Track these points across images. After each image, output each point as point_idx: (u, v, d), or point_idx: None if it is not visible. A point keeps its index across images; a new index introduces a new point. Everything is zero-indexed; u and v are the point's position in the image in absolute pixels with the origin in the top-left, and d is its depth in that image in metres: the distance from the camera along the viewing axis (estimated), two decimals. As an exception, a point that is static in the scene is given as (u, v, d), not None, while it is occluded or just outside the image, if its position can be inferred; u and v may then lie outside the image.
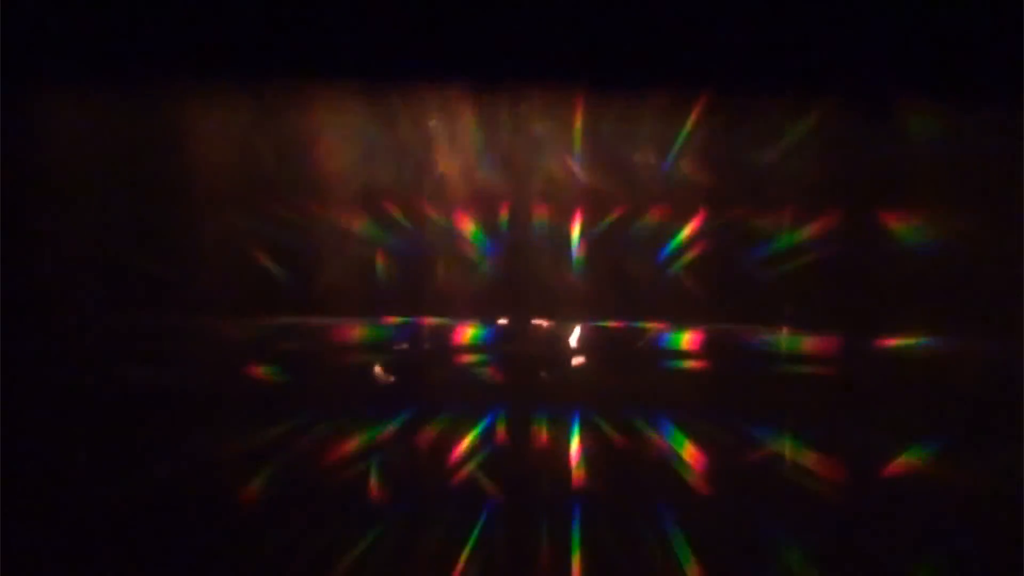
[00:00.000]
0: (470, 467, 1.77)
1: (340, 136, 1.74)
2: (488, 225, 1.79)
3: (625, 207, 1.78)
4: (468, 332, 1.81)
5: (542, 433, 1.79)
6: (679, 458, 1.77)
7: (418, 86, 1.73)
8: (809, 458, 1.75)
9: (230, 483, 1.72)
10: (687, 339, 1.81)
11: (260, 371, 1.76)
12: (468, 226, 1.79)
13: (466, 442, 1.78)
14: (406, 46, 1.65)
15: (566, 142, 1.77)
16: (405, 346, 1.81)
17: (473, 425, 1.78)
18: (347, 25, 1.64)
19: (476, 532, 1.74)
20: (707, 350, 1.80)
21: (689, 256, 1.78)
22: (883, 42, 1.64)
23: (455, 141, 1.76)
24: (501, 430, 1.78)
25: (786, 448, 1.76)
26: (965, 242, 1.71)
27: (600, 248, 1.79)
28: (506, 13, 1.63)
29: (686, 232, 1.78)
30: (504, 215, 1.78)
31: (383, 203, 1.76)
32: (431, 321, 1.81)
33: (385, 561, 1.72)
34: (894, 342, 1.76)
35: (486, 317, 1.81)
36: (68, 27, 1.63)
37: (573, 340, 1.82)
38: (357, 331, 1.79)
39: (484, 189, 1.78)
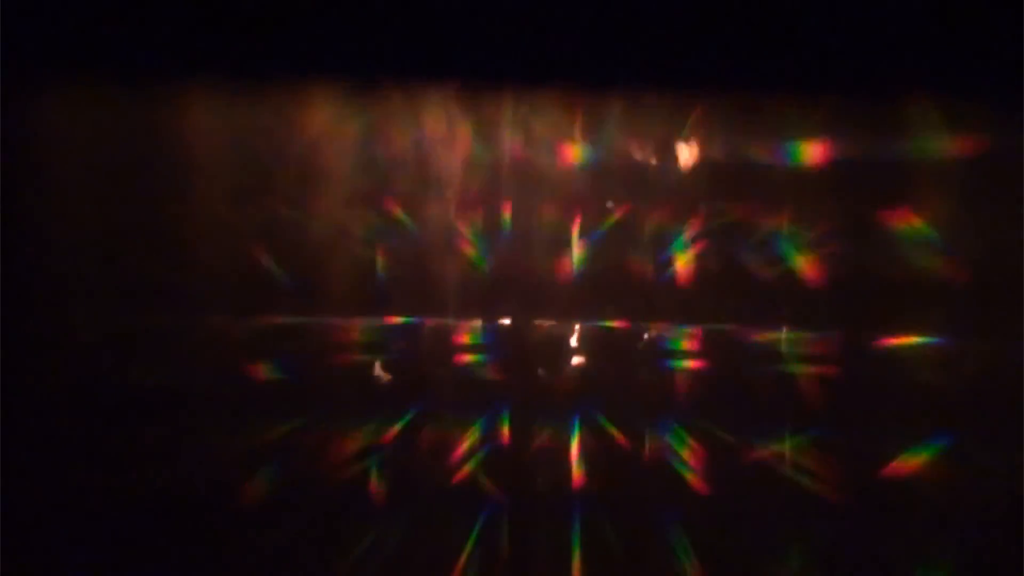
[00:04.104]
0: (470, 467, 1.77)
1: (340, 135, 1.74)
2: (488, 225, 1.79)
3: (625, 207, 1.78)
4: (468, 332, 1.81)
5: (542, 433, 1.79)
6: (679, 458, 1.77)
7: (418, 86, 1.73)
8: (809, 458, 1.75)
9: (230, 483, 1.72)
10: (687, 339, 1.81)
11: (260, 371, 1.76)
12: (468, 226, 1.78)
13: (466, 442, 1.78)
14: (407, 45, 1.65)
15: (566, 142, 1.77)
16: (405, 346, 1.80)
17: (473, 425, 1.78)
18: (347, 25, 1.64)
19: (476, 532, 1.74)
20: (707, 350, 1.80)
21: (689, 256, 1.78)
22: (884, 41, 1.64)
23: (456, 141, 1.76)
24: (501, 430, 1.78)
25: (786, 448, 1.76)
26: (965, 242, 1.71)
27: (600, 248, 1.79)
28: (507, 13, 1.63)
29: (686, 232, 1.78)
30: (504, 215, 1.78)
31: (383, 202, 1.76)
32: (431, 321, 1.80)
33: (385, 561, 1.72)
34: (894, 342, 1.76)
35: (486, 317, 1.81)
36: (68, 27, 1.63)
37: (573, 340, 1.82)
38: (357, 331, 1.79)
39: (484, 189, 1.78)
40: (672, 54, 1.66)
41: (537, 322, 1.81)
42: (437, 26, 1.64)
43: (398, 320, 1.80)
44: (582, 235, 1.79)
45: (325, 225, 1.75)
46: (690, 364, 1.80)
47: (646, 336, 1.81)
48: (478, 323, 1.81)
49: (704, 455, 1.77)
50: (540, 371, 1.82)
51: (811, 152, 1.74)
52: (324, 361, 1.78)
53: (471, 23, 1.64)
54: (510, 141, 1.76)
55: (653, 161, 1.77)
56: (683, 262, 1.78)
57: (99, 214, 1.70)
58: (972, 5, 1.62)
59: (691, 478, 1.76)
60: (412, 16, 1.63)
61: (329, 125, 1.74)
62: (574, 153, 1.77)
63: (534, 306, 1.81)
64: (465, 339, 1.81)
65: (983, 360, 1.71)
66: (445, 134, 1.76)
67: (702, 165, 1.76)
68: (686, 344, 1.81)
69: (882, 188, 1.74)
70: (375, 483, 1.75)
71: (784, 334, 1.78)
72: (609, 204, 1.78)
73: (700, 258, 1.78)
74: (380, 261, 1.78)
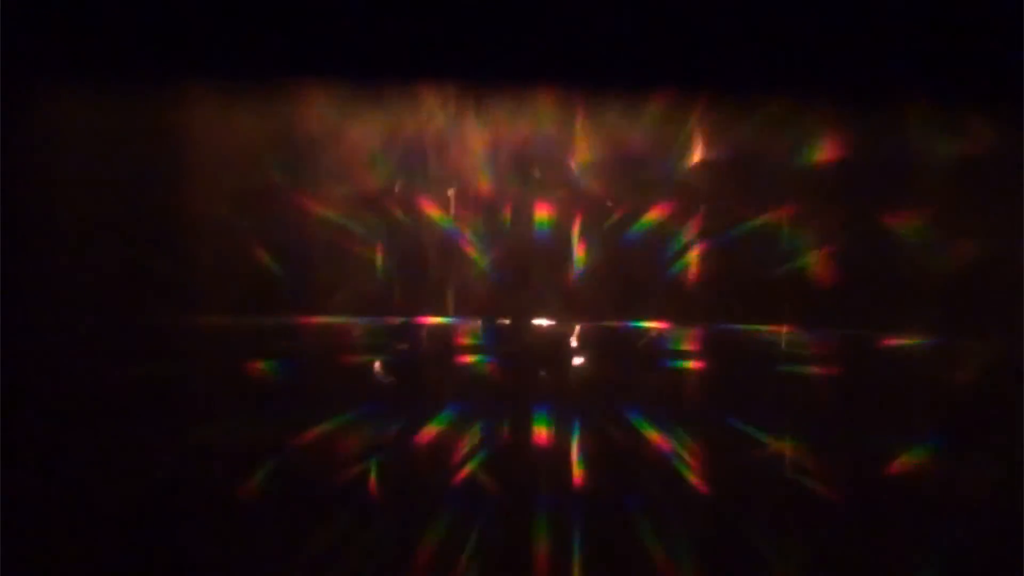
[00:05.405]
0: (470, 467, 1.77)
1: (340, 135, 1.74)
2: (488, 225, 1.79)
3: (625, 207, 1.78)
4: (468, 332, 1.81)
5: (542, 433, 1.79)
6: (679, 458, 1.77)
7: (419, 86, 1.73)
8: (809, 458, 1.75)
9: (230, 483, 1.72)
10: (687, 339, 1.81)
11: (260, 370, 1.75)
12: (468, 226, 1.78)
13: (466, 442, 1.77)
14: (407, 45, 1.65)
15: (566, 142, 1.77)
16: (405, 346, 1.80)
17: (473, 425, 1.78)
18: (347, 24, 1.64)
19: (476, 532, 1.74)
20: (707, 350, 1.80)
21: (689, 256, 1.78)
22: (884, 42, 1.64)
23: (455, 141, 1.76)
24: (501, 430, 1.78)
25: (786, 448, 1.76)
26: (965, 242, 1.71)
27: (600, 248, 1.79)
28: (506, 13, 1.63)
29: (686, 232, 1.78)
30: (504, 215, 1.78)
31: (383, 202, 1.76)
32: (431, 321, 1.80)
33: (385, 561, 1.71)
34: (894, 342, 1.76)
35: (486, 317, 1.81)
36: (68, 27, 1.63)
37: (573, 340, 1.82)
38: (357, 331, 1.79)
39: (484, 189, 1.78)
40: (672, 54, 1.66)
41: (537, 322, 1.82)
42: (438, 26, 1.64)
43: (398, 320, 1.80)
44: (582, 235, 1.79)
45: (325, 225, 1.75)
46: (690, 364, 1.80)
47: (646, 336, 1.81)
48: (478, 323, 1.81)
49: (704, 455, 1.77)
50: (540, 371, 1.82)
51: (812, 152, 1.74)
52: (324, 361, 1.78)
53: (472, 23, 1.64)
54: (510, 141, 1.76)
55: (653, 161, 1.77)
56: (683, 262, 1.78)
57: (99, 214, 1.70)
58: (972, 6, 1.62)
59: (691, 478, 1.76)
60: (413, 15, 1.63)
61: (329, 125, 1.73)
62: (574, 153, 1.77)
63: (534, 306, 1.81)
64: (465, 339, 1.81)
65: (983, 360, 1.72)
66: (445, 134, 1.76)
67: (702, 165, 1.76)
68: (686, 344, 1.81)
69: (882, 188, 1.74)
70: (375, 483, 1.75)
71: (785, 334, 1.78)
72: (609, 204, 1.78)
73: (700, 258, 1.78)
74: (380, 261, 1.78)
